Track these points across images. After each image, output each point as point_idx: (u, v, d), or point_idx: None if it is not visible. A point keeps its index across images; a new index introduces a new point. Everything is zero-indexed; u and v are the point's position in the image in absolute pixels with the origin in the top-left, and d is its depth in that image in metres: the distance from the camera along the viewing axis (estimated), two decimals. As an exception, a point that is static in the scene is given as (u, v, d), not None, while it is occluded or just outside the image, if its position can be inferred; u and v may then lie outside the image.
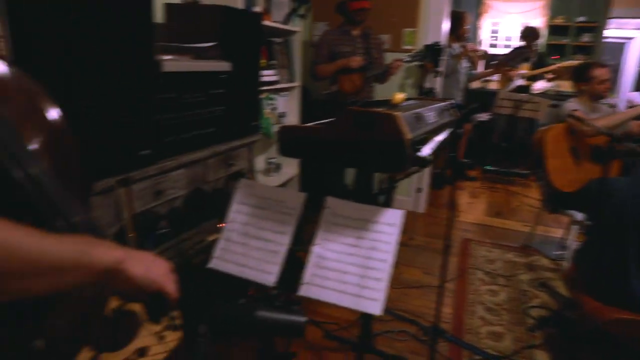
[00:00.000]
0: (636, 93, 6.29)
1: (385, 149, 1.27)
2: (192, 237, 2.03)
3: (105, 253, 0.64)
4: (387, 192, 1.89)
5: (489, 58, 5.96)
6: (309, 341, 2.11)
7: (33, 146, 0.73)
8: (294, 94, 3.23)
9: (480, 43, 6.89)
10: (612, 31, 7.40)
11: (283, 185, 3.06)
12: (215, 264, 1.38)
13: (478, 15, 6.84)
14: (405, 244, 3.15)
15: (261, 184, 1.52)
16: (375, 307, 1.23)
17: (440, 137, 1.67)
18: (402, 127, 1.25)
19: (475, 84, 6.60)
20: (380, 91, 3.34)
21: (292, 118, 3.20)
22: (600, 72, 2.81)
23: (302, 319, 0.94)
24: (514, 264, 3.02)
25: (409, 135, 1.26)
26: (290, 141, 1.42)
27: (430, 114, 1.65)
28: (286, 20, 3.06)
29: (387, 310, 2.35)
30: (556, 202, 2.85)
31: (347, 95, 3.06)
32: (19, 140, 0.68)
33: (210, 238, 2.12)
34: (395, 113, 1.26)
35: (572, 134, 2.78)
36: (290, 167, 3.24)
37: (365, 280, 1.26)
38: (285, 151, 1.44)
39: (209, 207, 2.18)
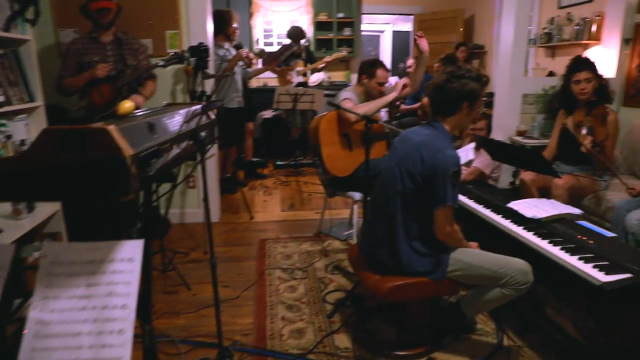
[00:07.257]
0: (394, 78, 7.22)
1: (102, 171, 1.04)
2: None
3: None
4: (146, 218, 1.64)
5: (265, 56, 6.08)
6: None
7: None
8: (37, 115, 2.68)
9: (257, 42, 7.00)
10: (367, 25, 8.41)
11: (40, 225, 2.51)
12: None
13: (250, 15, 6.92)
14: (199, 260, 2.91)
15: None
16: (123, 367, 1.01)
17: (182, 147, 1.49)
18: (118, 142, 1.03)
19: (256, 83, 6.72)
20: (150, 102, 3.02)
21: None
22: (382, 74, 3.03)
23: None
24: (310, 254, 3.09)
25: (129, 150, 1.06)
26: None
27: (173, 120, 1.47)
28: (7, 27, 2.50)
29: (185, 340, 2.12)
30: (334, 186, 3.00)
31: (99, 109, 2.68)
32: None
33: None
34: (108, 127, 1.04)
35: (341, 121, 2.93)
36: (48, 204, 2.67)
37: (104, 337, 1.02)
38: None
39: None
